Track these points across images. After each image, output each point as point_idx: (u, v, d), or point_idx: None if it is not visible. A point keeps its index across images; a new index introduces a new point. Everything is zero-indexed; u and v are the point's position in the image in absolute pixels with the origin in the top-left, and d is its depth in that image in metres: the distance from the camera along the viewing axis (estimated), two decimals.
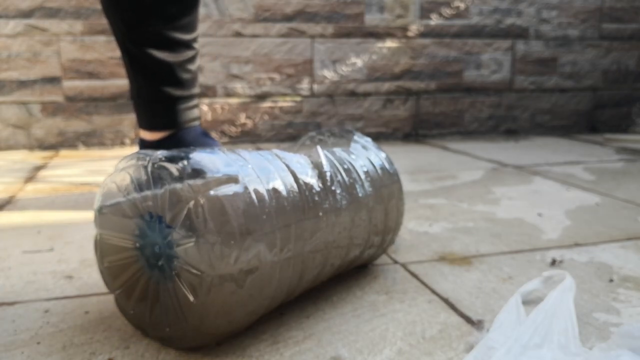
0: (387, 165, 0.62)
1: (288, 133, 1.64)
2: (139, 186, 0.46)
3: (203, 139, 0.94)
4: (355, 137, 0.64)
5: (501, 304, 0.55)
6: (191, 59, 0.93)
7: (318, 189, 0.52)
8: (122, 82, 1.49)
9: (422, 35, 1.70)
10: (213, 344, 0.48)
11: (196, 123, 0.96)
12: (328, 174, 0.54)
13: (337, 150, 0.60)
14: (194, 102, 0.95)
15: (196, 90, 0.95)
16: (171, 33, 0.89)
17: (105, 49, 1.47)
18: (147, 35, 0.88)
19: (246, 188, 0.45)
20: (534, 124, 1.85)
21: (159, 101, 0.92)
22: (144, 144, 0.95)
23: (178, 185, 0.44)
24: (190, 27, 0.92)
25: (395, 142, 1.67)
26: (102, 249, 0.50)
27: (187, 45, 0.92)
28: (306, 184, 0.51)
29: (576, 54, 1.84)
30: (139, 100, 0.93)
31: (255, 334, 0.50)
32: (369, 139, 0.65)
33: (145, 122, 0.94)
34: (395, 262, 0.69)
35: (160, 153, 0.47)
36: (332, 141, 0.63)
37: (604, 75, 1.89)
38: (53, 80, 1.47)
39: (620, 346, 0.43)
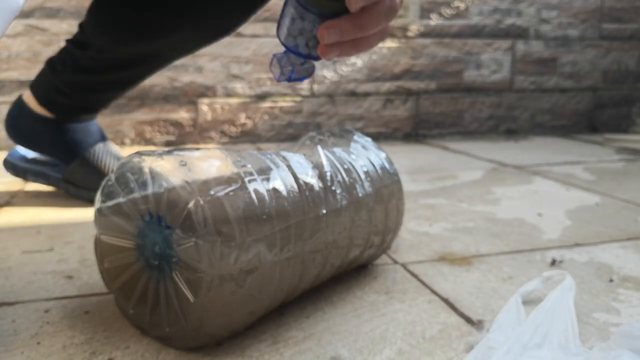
0: (387, 165, 0.62)
1: (288, 133, 1.64)
2: (139, 186, 0.46)
3: (90, 131, 0.94)
4: (355, 137, 0.64)
5: (501, 304, 0.55)
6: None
7: (318, 189, 0.52)
8: None
9: (422, 35, 1.70)
10: (213, 344, 0.48)
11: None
12: (328, 174, 0.54)
13: (337, 150, 0.60)
14: (94, 116, 0.97)
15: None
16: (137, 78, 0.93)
17: None
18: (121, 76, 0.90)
19: (246, 188, 0.45)
20: (534, 124, 1.85)
21: (68, 100, 0.91)
22: (24, 109, 0.93)
23: (178, 185, 0.44)
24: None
25: (395, 142, 1.67)
26: (102, 249, 0.50)
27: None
28: (306, 183, 0.51)
29: (576, 54, 1.84)
30: (53, 84, 0.91)
31: (255, 334, 0.50)
32: (369, 139, 0.65)
33: (45, 98, 0.92)
34: (395, 262, 0.69)
35: (160, 152, 0.47)
36: (332, 141, 0.63)
37: (604, 75, 1.89)
38: None
39: (620, 346, 0.43)
